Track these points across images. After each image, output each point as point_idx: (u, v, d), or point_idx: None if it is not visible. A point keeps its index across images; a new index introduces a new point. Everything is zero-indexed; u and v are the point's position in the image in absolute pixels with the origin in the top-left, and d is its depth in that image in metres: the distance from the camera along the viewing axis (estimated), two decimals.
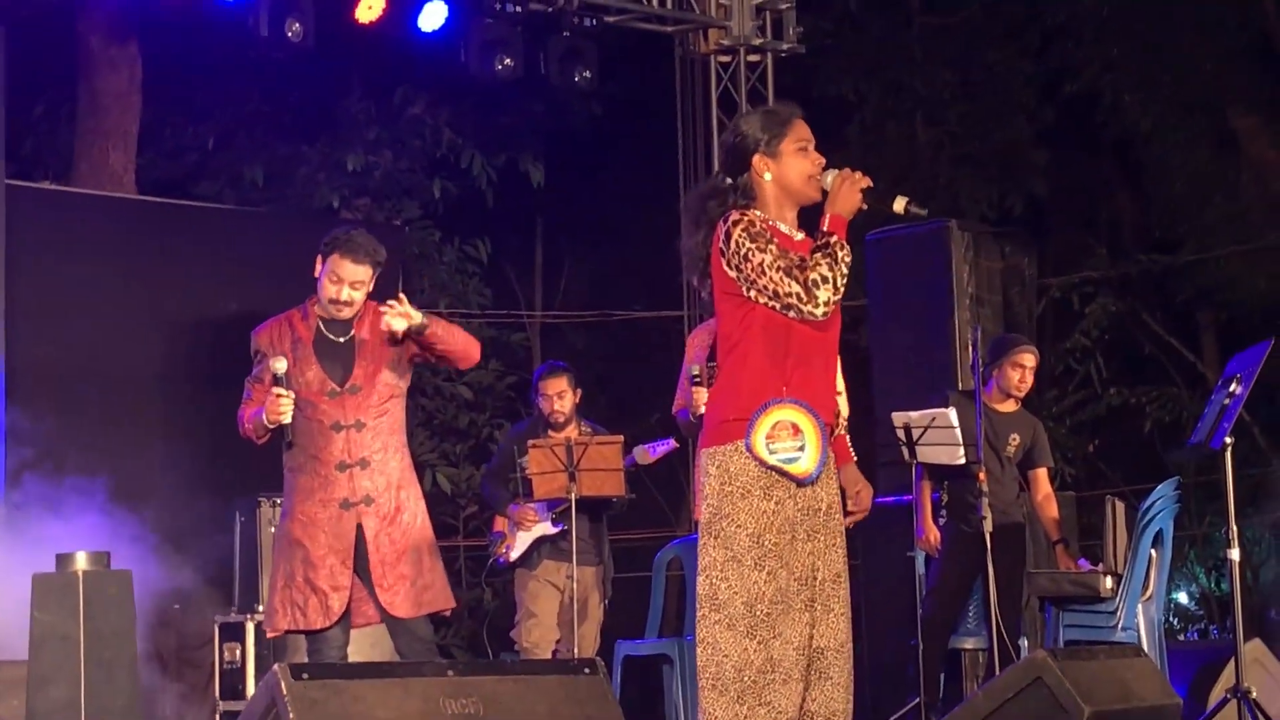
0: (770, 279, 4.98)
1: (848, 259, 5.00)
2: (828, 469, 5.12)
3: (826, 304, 4.96)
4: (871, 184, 5.10)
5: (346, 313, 6.80)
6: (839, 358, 5.35)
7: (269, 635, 7.09)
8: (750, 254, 5.00)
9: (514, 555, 9.25)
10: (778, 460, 4.99)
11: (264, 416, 6.67)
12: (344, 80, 14.95)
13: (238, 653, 9.77)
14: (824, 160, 5.20)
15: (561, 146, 16.34)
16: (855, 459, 5.67)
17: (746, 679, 4.94)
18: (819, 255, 4.97)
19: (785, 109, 5.30)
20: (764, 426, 4.99)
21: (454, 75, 12.19)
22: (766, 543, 4.99)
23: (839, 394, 5.53)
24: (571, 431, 9.20)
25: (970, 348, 9.42)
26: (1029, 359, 9.33)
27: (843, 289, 5.00)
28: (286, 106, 15.08)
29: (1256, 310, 16.80)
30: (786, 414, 5.01)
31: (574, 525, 8.90)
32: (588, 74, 11.78)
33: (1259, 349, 6.72)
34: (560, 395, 9.23)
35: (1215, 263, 16.88)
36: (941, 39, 17.76)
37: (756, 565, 4.98)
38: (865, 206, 5.12)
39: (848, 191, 5.07)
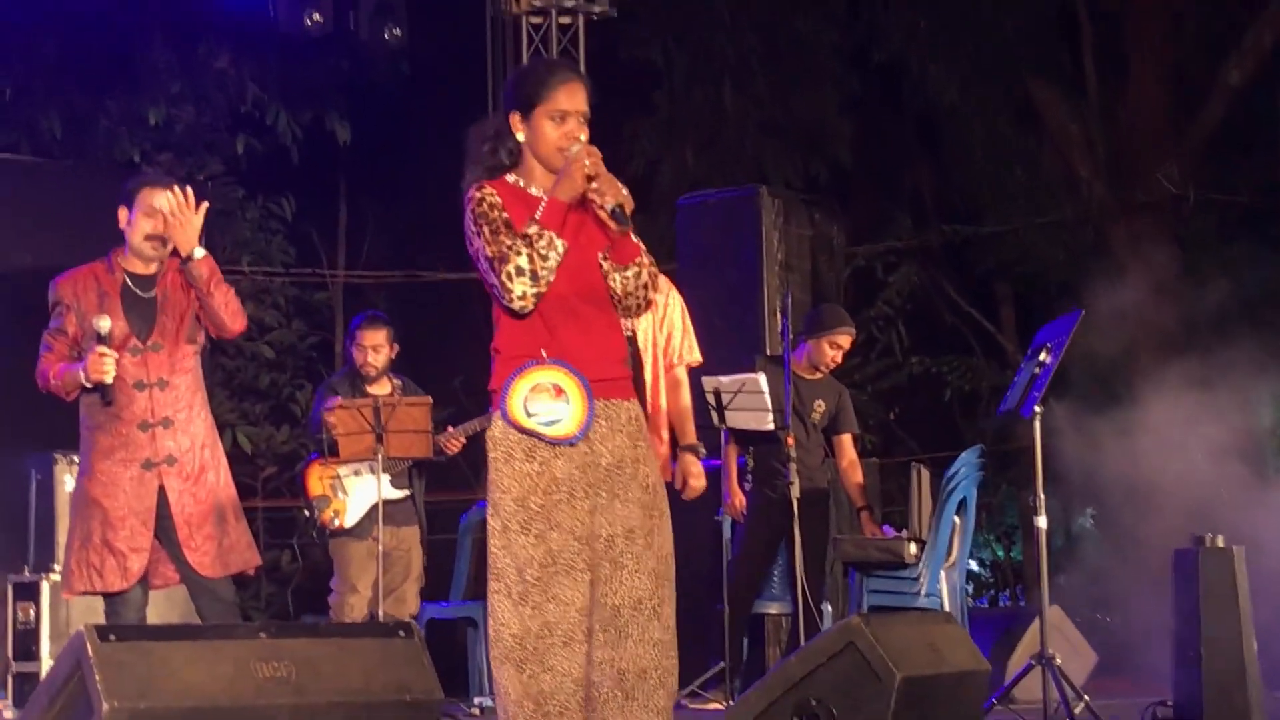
0: (482, 267, 4.88)
1: (550, 249, 4.82)
2: (611, 424, 4.95)
3: (523, 297, 4.83)
4: (598, 170, 4.83)
5: (159, 250, 6.65)
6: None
7: (65, 596, 6.95)
8: (471, 238, 4.90)
9: (349, 522, 9.06)
10: (536, 423, 4.86)
11: (82, 374, 6.51)
12: (146, 31, 14.63)
13: (31, 613, 9.57)
14: (579, 134, 4.93)
15: (369, 105, 16.15)
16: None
17: (527, 646, 4.82)
18: (520, 244, 4.83)
19: (560, 70, 5.05)
20: (520, 390, 4.88)
21: (261, 29, 11.99)
22: (531, 505, 4.86)
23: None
24: (384, 386, 9.09)
25: (779, 314, 9.45)
26: (846, 340, 9.42)
27: (548, 276, 4.82)
28: (87, 56, 14.73)
29: (1054, 282, 17.07)
30: (546, 375, 4.88)
31: (380, 487, 8.78)
32: (398, 31, 11.70)
33: (1068, 319, 6.81)
34: (376, 348, 9.11)
35: (1015, 234, 17.12)
36: (751, 6, 17.78)
37: (522, 529, 4.85)
38: (594, 197, 4.83)
39: (571, 174, 4.87)
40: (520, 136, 5.00)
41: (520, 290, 4.82)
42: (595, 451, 4.93)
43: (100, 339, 6.50)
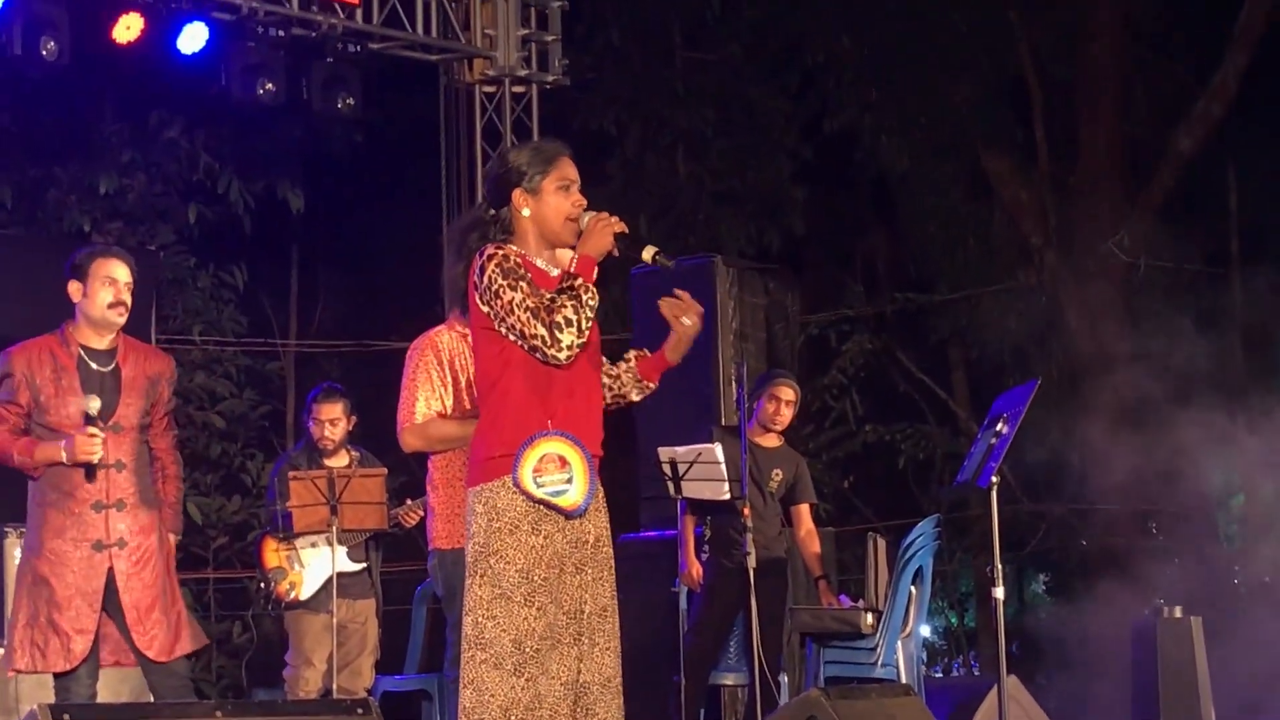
0: (518, 318, 4.92)
1: (593, 301, 4.95)
2: (597, 500, 5.06)
3: (570, 348, 4.92)
4: (625, 229, 5.06)
5: (123, 317, 6.62)
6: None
7: (8, 674, 6.89)
8: (501, 291, 4.93)
9: (305, 594, 8.99)
10: (545, 493, 4.93)
11: (64, 452, 6.46)
12: (98, 101, 14.61)
13: None
14: (585, 202, 5.14)
15: (321, 173, 16.14)
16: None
17: (513, 718, 4.85)
18: (564, 297, 4.92)
19: (553, 146, 5.23)
20: (530, 460, 4.93)
21: (213, 98, 11.97)
22: (536, 578, 4.92)
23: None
24: (342, 458, 9.03)
25: (734, 383, 9.43)
26: (786, 392, 9.37)
27: (588, 331, 4.95)
28: (38, 126, 14.69)
29: (1007, 350, 17.12)
30: (553, 447, 4.95)
31: (334, 560, 8.71)
32: (351, 101, 11.64)
33: (1025, 389, 6.79)
34: (333, 422, 9.06)
35: (967, 302, 17.18)
36: (703, 75, 17.87)
37: (526, 601, 4.91)
38: (616, 253, 5.07)
39: (599, 233, 5.02)
40: (526, 212, 5.11)
41: (569, 340, 4.90)
42: (584, 528, 5.03)
43: (89, 419, 6.47)
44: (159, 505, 6.81)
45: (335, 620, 8.65)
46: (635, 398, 5.30)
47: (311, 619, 8.96)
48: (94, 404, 6.48)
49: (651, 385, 5.30)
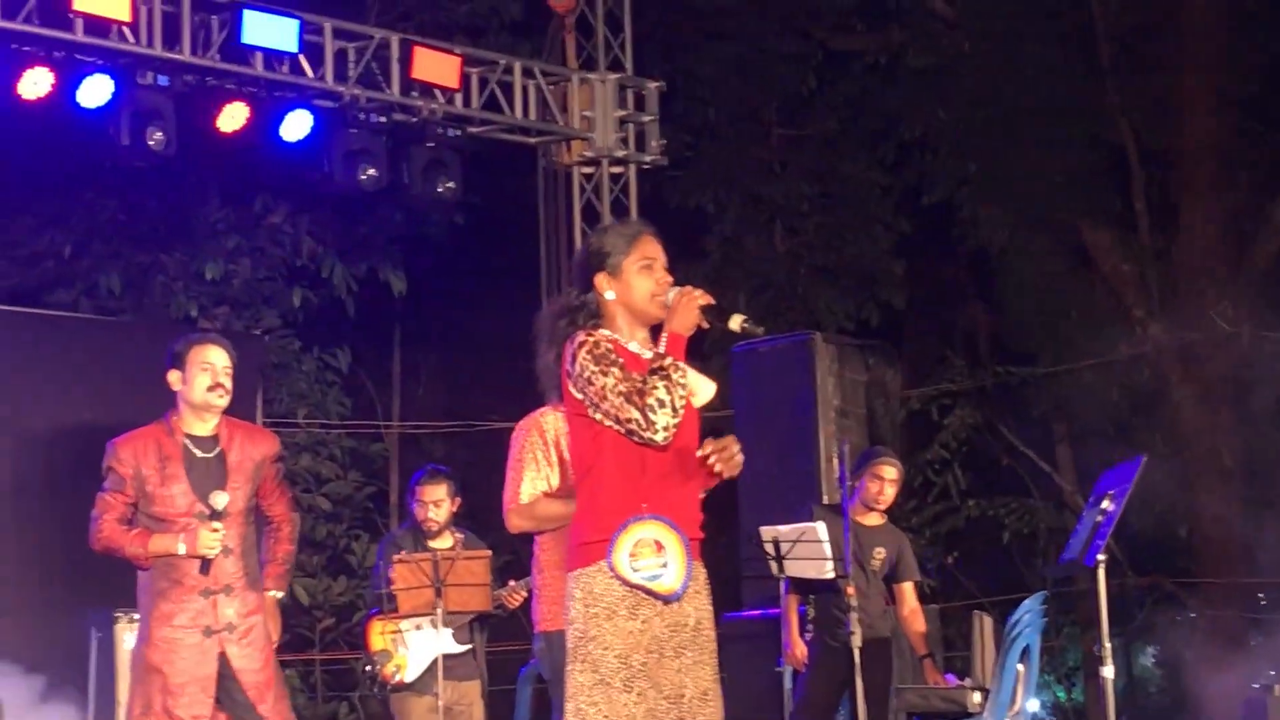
0: (612, 404, 4.91)
1: (685, 380, 4.92)
2: (695, 583, 5.03)
3: (666, 429, 4.89)
4: (711, 300, 5.03)
5: (224, 399, 6.71)
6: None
7: None
8: (593, 377, 4.94)
9: (410, 677, 9.03)
10: (641, 578, 4.92)
11: (182, 545, 6.54)
12: (203, 188, 14.81)
13: None
14: (670, 279, 5.12)
15: (423, 255, 16.27)
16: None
17: None
18: (655, 379, 4.90)
19: (632, 226, 5.24)
20: (625, 544, 4.92)
21: (316, 184, 12.11)
22: (634, 663, 4.91)
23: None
24: (446, 540, 9.07)
25: (836, 460, 9.41)
26: (889, 471, 9.31)
27: (682, 411, 4.91)
28: (145, 214, 14.91)
29: (1110, 422, 16.99)
30: (648, 530, 4.93)
31: (440, 641, 8.74)
32: (451, 184, 11.75)
33: (1130, 466, 6.75)
34: (437, 504, 9.09)
35: (1070, 375, 17.05)
36: (799, 150, 17.92)
37: (625, 687, 4.89)
38: (705, 325, 5.05)
39: (685, 308, 5.00)
40: (610, 295, 5.10)
41: (664, 422, 4.88)
42: (683, 611, 5.00)
43: (215, 514, 6.56)
44: (261, 581, 6.88)
45: (441, 703, 8.67)
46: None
47: (417, 701, 8.97)
48: (220, 499, 6.56)
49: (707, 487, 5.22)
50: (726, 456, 5.05)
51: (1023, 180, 16.78)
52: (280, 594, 7.04)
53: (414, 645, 9.04)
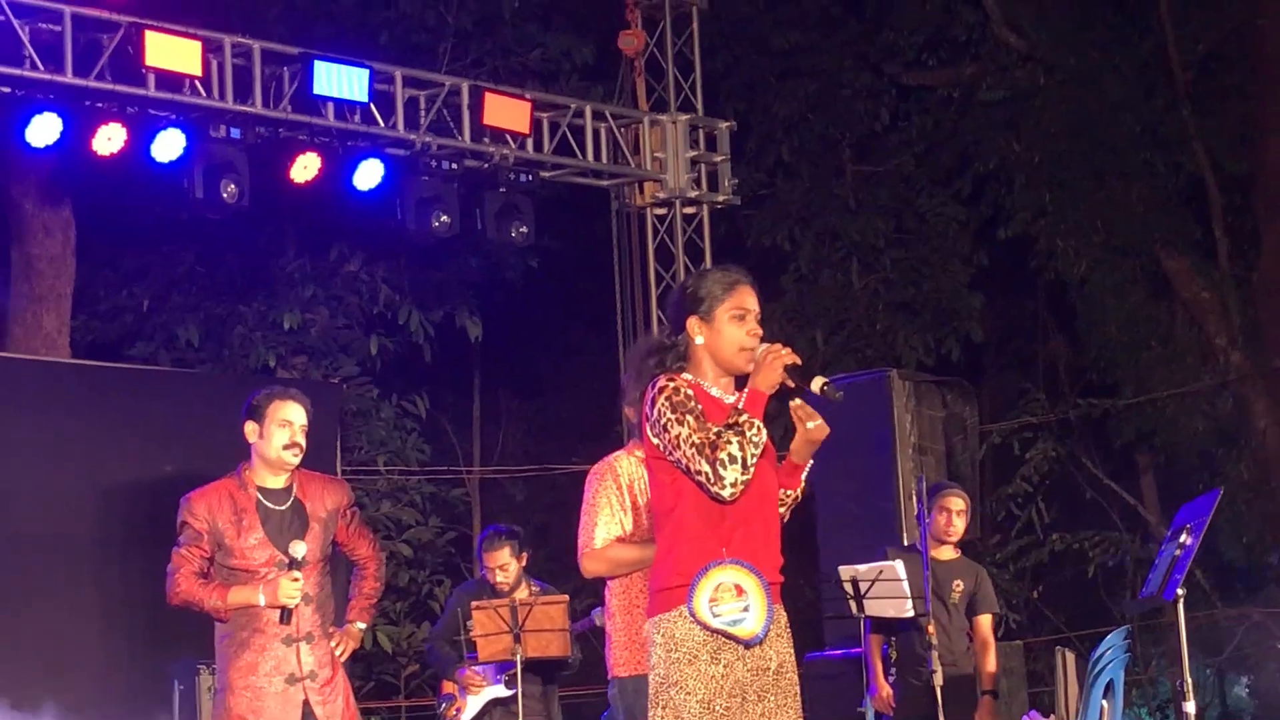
0: (684, 453, 4.91)
1: (758, 437, 4.89)
2: (776, 627, 5.02)
3: (734, 485, 4.87)
4: (797, 361, 5.00)
5: (298, 458, 6.74)
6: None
7: None
8: (669, 425, 4.93)
9: (464, 718, 9.10)
10: (722, 623, 4.90)
11: (262, 596, 6.58)
12: (279, 238, 14.92)
13: None
14: (760, 332, 5.09)
15: (498, 300, 16.33)
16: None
17: None
18: (730, 433, 4.88)
19: (733, 275, 5.18)
20: (705, 589, 4.91)
21: (390, 232, 12.18)
22: (717, 708, 4.89)
23: None
24: (519, 594, 9.08)
25: (915, 498, 9.35)
26: (956, 503, 9.25)
27: (753, 468, 4.89)
28: (221, 266, 15.03)
29: (1195, 452, 16.84)
30: (729, 575, 4.92)
31: (521, 687, 8.76)
32: (524, 229, 11.78)
33: (1208, 499, 6.67)
34: (503, 568, 9.16)
35: (1153, 405, 16.92)
36: (874, 187, 17.89)
37: None
38: (792, 384, 5.02)
39: (770, 366, 4.97)
40: (700, 340, 5.09)
41: (733, 478, 4.86)
42: (765, 655, 4.98)
43: (294, 564, 6.60)
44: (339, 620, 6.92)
45: None
46: (784, 513, 5.26)
47: None
48: (299, 549, 6.59)
49: (792, 492, 5.23)
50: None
51: (1100, 210, 16.69)
52: (363, 625, 7.06)
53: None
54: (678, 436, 4.91)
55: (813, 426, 5.12)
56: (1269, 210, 16.41)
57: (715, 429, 4.92)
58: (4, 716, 9.40)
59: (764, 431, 4.93)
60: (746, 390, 5.00)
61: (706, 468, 4.87)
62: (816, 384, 5.03)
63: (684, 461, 4.92)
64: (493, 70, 14.74)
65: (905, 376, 11.39)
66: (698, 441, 4.89)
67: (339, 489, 6.98)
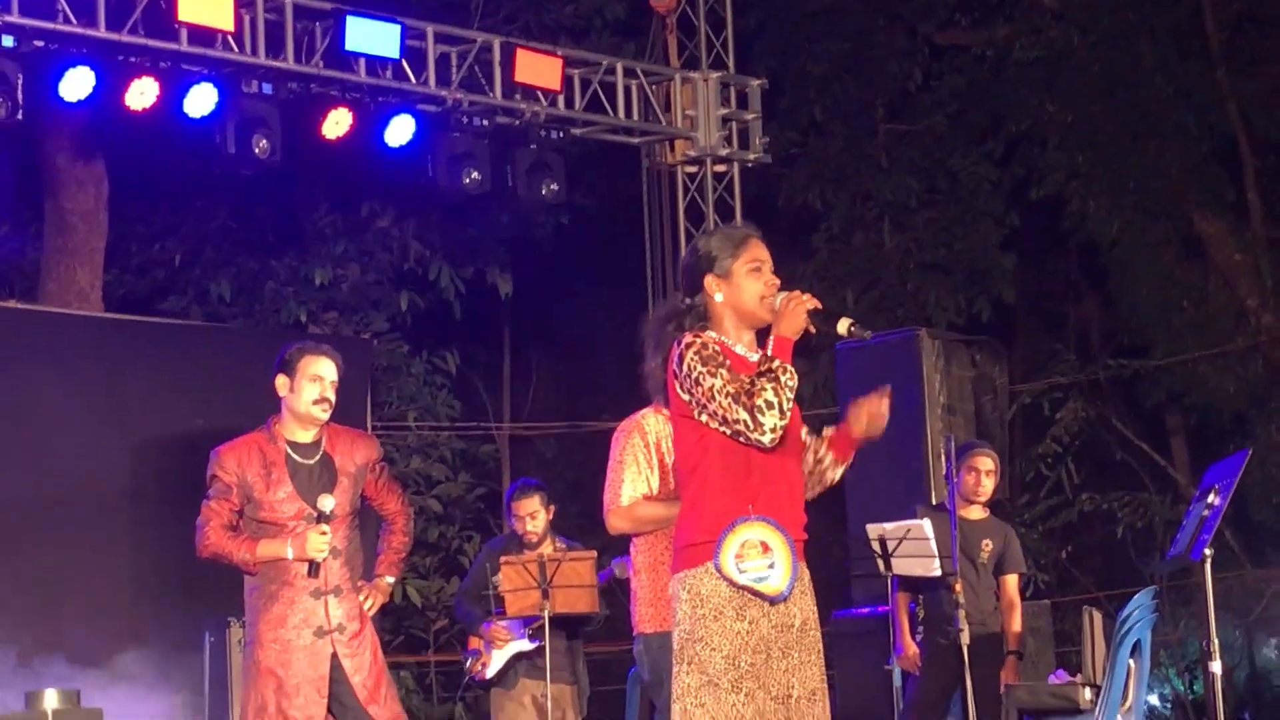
0: (719, 404, 4.92)
1: (792, 381, 4.93)
2: (802, 584, 5.05)
3: (773, 430, 4.90)
4: (818, 305, 5.03)
5: (327, 413, 6.76)
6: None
7: None
8: (701, 378, 4.95)
9: (489, 673, 9.14)
10: (748, 579, 4.92)
11: (290, 549, 6.62)
12: (311, 194, 14.94)
13: None
14: (778, 282, 5.14)
15: (529, 257, 16.34)
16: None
17: None
18: (763, 380, 4.91)
19: (741, 229, 5.25)
20: (732, 546, 4.93)
21: (421, 188, 12.19)
22: (742, 664, 4.92)
23: None
24: (546, 549, 9.11)
25: (944, 457, 9.35)
26: (985, 462, 9.27)
27: (789, 413, 4.93)
28: (253, 221, 15.06)
29: (1226, 413, 16.81)
30: (754, 532, 4.94)
31: (548, 642, 8.78)
32: (555, 186, 11.77)
33: (1236, 459, 6.67)
34: (533, 516, 9.14)
35: (1184, 366, 16.90)
36: (906, 146, 17.84)
37: (733, 688, 4.91)
38: (813, 329, 5.05)
39: (793, 313, 5.00)
40: (719, 296, 5.12)
41: (771, 423, 4.89)
42: (789, 612, 5.01)
43: (322, 517, 6.63)
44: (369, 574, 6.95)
45: (532, 698, 8.90)
46: (835, 476, 5.29)
47: (501, 696, 9.17)
48: (328, 502, 6.62)
49: (845, 463, 5.27)
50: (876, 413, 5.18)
51: (1133, 172, 16.63)
52: (391, 579, 7.10)
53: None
54: (711, 388, 4.93)
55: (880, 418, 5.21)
56: None
57: (748, 378, 4.94)
58: (37, 666, 9.48)
59: (796, 377, 4.96)
60: (773, 338, 5.02)
61: (745, 415, 4.89)
62: (843, 325, 5.06)
63: (720, 412, 4.93)
64: (524, 26, 14.71)
65: (934, 336, 11.37)
66: (733, 391, 4.91)
67: (368, 444, 7.01)
